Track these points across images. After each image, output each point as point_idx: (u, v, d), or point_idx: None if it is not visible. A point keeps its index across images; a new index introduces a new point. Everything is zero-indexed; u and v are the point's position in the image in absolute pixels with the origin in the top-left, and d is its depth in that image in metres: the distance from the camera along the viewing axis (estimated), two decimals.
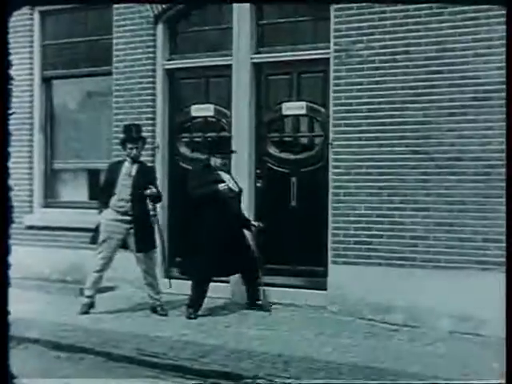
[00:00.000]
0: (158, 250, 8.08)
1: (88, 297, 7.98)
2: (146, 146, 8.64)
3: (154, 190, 7.87)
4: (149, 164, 8.57)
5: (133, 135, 7.95)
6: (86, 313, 7.90)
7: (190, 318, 7.73)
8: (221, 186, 7.83)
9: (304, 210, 8.47)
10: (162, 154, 9.21)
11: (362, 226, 7.89)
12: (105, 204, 7.96)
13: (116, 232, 7.86)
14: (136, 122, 8.50)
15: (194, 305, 7.84)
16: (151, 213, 7.89)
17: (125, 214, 7.84)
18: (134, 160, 7.94)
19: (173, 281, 8.24)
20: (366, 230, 7.88)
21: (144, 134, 8.28)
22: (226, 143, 8.17)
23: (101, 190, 8.33)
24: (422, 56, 7.58)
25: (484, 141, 7.28)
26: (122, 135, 8.16)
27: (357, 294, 7.82)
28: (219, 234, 7.78)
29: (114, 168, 8.04)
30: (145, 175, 7.95)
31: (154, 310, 7.97)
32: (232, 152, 8.27)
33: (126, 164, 7.96)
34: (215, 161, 7.99)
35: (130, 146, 7.92)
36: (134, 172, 7.91)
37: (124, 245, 7.90)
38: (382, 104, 7.78)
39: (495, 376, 5.33)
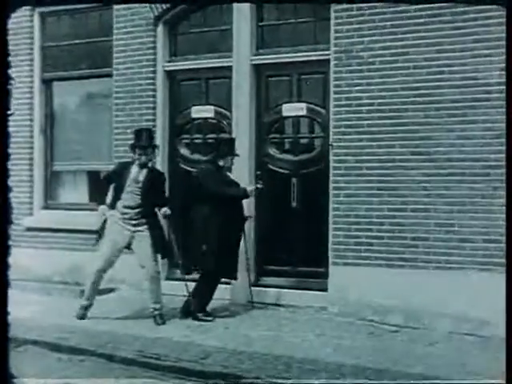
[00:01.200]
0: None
1: (87, 299, 7.89)
2: None
3: (167, 210, 7.77)
4: (159, 169, 8.43)
5: (142, 143, 7.75)
6: (83, 317, 7.82)
7: (208, 321, 7.75)
8: (249, 188, 7.97)
9: (304, 211, 8.47)
10: (162, 156, 9.20)
11: (363, 227, 7.89)
12: (112, 206, 7.82)
13: (120, 236, 7.77)
14: (149, 127, 8.40)
15: (204, 306, 7.87)
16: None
17: (130, 219, 7.73)
18: (143, 166, 7.78)
19: (172, 282, 8.24)
20: (366, 231, 7.88)
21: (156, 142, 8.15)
22: (232, 145, 8.16)
23: (108, 193, 8.02)
24: (422, 57, 7.58)
25: (484, 141, 7.28)
26: (132, 140, 7.94)
27: (357, 294, 7.82)
28: (234, 234, 7.93)
29: (122, 171, 7.82)
30: (154, 181, 7.80)
31: (153, 317, 7.80)
32: (236, 155, 8.22)
33: (134, 169, 7.77)
34: (225, 162, 7.99)
35: (139, 151, 7.74)
36: (141, 178, 7.73)
37: (128, 247, 7.82)
38: (383, 105, 7.79)
39: (495, 376, 5.33)
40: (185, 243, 8.05)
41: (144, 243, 7.70)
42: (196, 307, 7.83)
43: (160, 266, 7.95)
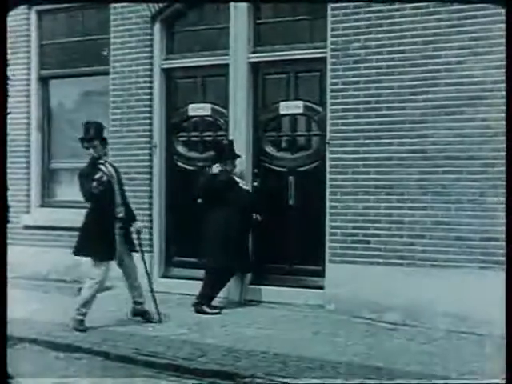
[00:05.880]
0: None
1: (81, 314, 7.44)
2: (144, 146, 8.70)
3: (140, 224, 7.81)
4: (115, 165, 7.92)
5: (88, 135, 7.35)
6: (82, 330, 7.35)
7: (217, 314, 7.95)
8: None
9: (301, 209, 8.47)
10: (159, 153, 9.20)
11: (360, 225, 7.89)
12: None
13: None
14: (98, 121, 7.73)
15: (210, 300, 8.06)
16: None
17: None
18: (96, 160, 7.38)
19: (170, 280, 8.26)
20: (363, 228, 7.88)
21: (105, 135, 7.69)
22: (231, 147, 8.30)
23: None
24: (418, 55, 7.58)
25: (481, 139, 7.28)
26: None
27: (354, 292, 7.82)
28: (241, 231, 8.22)
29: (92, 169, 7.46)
30: (118, 175, 7.57)
31: (139, 314, 7.66)
32: (238, 156, 8.36)
33: (102, 166, 7.36)
34: (226, 165, 8.20)
35: (86, 144, 7.38)
36: (114, 172, 7.48)
37: None
38: (379, 103, 7.79)
39: (494, 375, 5.34)
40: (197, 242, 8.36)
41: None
42: (206, 301, 8.02)
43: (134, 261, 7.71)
